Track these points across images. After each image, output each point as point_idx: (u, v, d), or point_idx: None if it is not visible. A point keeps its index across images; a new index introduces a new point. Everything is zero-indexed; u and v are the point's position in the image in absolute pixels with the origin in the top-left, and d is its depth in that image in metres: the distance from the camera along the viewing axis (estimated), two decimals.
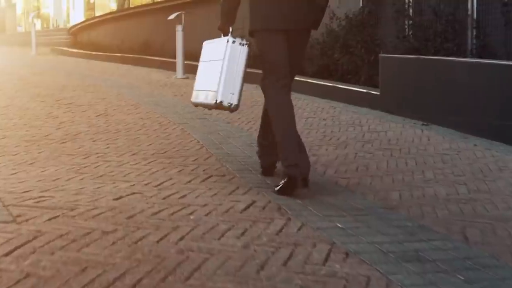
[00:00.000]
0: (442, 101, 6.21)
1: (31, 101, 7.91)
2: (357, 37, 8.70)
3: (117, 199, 3.38)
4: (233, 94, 3.75)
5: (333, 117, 6.75)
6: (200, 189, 3.67)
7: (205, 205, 3.31)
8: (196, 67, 4.23)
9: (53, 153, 4.71)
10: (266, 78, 3.80)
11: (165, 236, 2.77)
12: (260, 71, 3.89)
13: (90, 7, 28.80)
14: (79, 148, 4.93)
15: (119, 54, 17.20)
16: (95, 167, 4.23)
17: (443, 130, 5.93)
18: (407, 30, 8.11)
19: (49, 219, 2.94)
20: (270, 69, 3.78)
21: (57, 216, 3.00)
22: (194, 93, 4.12)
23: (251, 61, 3.89)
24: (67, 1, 32.22)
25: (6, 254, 2.48)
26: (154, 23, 16.38)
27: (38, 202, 3.26)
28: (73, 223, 2.91)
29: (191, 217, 3.08)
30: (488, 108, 5.60)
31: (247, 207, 3.30)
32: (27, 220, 2.92)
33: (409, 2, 8.15)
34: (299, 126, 6.06)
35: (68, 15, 32.27)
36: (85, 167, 4.24)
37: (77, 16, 29.42)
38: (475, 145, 5.23)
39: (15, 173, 4.03)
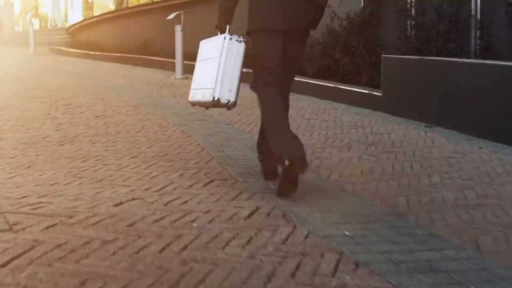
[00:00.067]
0: (445, 103, 6.12)
1: (29, 102, 7.82)
2: (359, 37, 8.61)
3: (117, 205, 3.28)
4: (230, 91, 3.70)
5: (335, 119, 6.66)
6: (202, 194, 3.58)
7: (207, 211, 3.22)
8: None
9: (51, 156, 4.62)
10: (257, 80, 3.77)
11: (168, 245, 2.67)
12: None
13: (88, 6, 28.71)
14: (78, 150, 4.84)
15: (118, 54, 17.11)
16: (94, 171, 4.13)
17: (447, 132, 5.83)
18: (409, 30, 8.01)
19: (47, 228, 2.84)
20: (262, 71, 3.74)
21: (55, 224, 2.90)
22: (191, 92, 4.07)
23: (249, 60, 3.84)
24: (65, 1, 32.13)
25: (2, 266, 2.38)
26: (153, 23, 16.27)
27: (35, 208, 3.16)
28: (72, 231, 2.81)
29: (194, 224, 2.98)
30: (492, 110, 5.51)
31: (251, 213, 3.20)
32: (24, 229, 2.82)
33: (411, 2, 8.05)
34: (301, 127, 6.02)
35: (66, 15, 32.18)
36: (83, 170, 4.15)
37: (75, 16, 29.34)
38: (480, 147, 5.14)
39: (12, 177, 3.93)
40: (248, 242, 2.74)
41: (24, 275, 2.31)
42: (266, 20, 3.70)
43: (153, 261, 2.49)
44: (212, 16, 3.96)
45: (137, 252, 2.57)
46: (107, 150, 4.88)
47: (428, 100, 6.43)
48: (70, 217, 3.03)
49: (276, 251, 2.65)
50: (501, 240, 2.92)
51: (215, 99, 3.68)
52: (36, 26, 30.84)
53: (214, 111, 6.71)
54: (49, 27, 33.37)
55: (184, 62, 11.25)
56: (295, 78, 4.07)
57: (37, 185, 3.71)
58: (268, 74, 3.71)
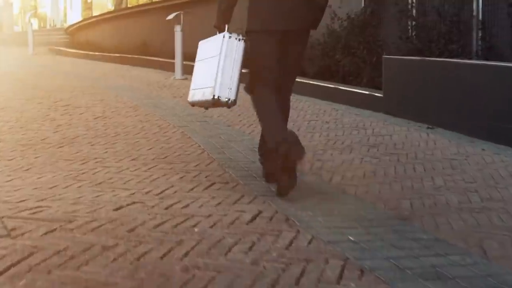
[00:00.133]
0: (447, 104, 6.07)
1: (28, 102, 7.77)
2: (359, 37, 8.56)
3: (117, 209, 3.24)
4: (230, 89, 3.67)
5: (336, 120, 6.61)
6: (203, 197, 3.53)
7: (209, 215, 3.17)
8: None
9: (50, 158, 4.57)
10: (253, 80, 3.76)
11: (169, 251, 2.61)
12: None
13: (87, 6, 28.66)
14: (77, 152, 4.79)
15: (117, 55, 17.06)
16: (94, 174, 4.09)
17: (449, 134, 5.79)
18: (410, 31, 7.96)
19: (46, 233, 2.79)
20: (260, 71, 3.73)
21: (55, 230, 2.84)
22: (190, 92, 4.04)
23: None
24: (64, 1, 32.07)
25: (0, 273, 2.33)
26: (153, 23, 16.22)
27: (34, 213, 3.11)
28: (72, 237, 2.75)
29: (196, 229, 2.93)
30: (494, 111, 5.46)
31: (254, 218, 3.15)
32: (22, 234, 2.77)
33: (412, 2, 8.00)
34: (302, 129, 5.98)
35: (65, 15, 32.13)
36: (83, 173, 4.10)
37: (75, 16, 29.29)
38: (483, 149, 5.10)
39: (10, 180, 3.89)
40: (251, 248, 2.69)
41: (22, 283, 2.25)
42: (266, 20, 3.69)
43: (154, 268, 2.44)
44: (211, 16, 3.93)
45: (138, 259, 2.52)
46: (106, 152, 4.84)
47: (429, 101, 6.38)
48: (70, 222, 2.98)
49: (280, 257, 2.60)
50: (507, 244, 2.87)
51: (215, 97, 3.66)
52: (35, 26, 30.80)
53: (214, 112, 6.67)
54: (48, 27, 33.32)
55: (184, 62, 11.20)
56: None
57: (36, 188, 3.67)
58: (265, 74, 3.71)
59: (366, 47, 8.39)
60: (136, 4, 20.44)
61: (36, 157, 4.59)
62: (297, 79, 4.07)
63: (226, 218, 3.13)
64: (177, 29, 11.34)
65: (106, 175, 4.04)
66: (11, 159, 4.51)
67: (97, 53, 18.68)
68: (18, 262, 2.44)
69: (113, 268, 2.42)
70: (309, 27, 3.84)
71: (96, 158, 4.58)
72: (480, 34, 7.01)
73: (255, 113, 3.82)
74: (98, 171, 4.16)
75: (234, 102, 3.72)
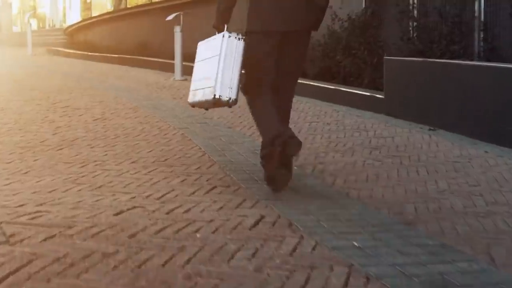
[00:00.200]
0: (448, 105, 6.03)
1: (27, 104, 7.72)
2: (360, 38, 8.51)
3: (117, 214, 3.18)
4: (231, 88, 3.65)
5: (337, 121, 6.57)
6: (205, 201, 3.48)
7: (211, 220, 3.12)
8: None
9: (49, 161, 4.52)
10: (250, 80, 3.75)
11: (171, 258, 2.56)
12: None
13: (86, 7, 28.58)
14: (76, 155, 4.74)
15: (116, 55, 17.00)
16: (93, 177, 4.03)
17: (451, 136, 5.74)
18: (411, 31, 7.91)
19: (45, 239, 2.73)
20: (255, 73, 3.72)
21: (54, 236, 2.79)
22: (190, 93, 4.02)
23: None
24: (63, 1, 31.99)
25: None
26: (152, 23, 16.17)
27: (33, 218, 3.06)
28: (71, 243, 2.70)
29: (198, 235, 2.88)
30: (497, 113, 5.42)
31: (256, 223, 3.10)
32: (21, 241, 2.71)
33: (413, 3, 7.96)
34: (303, 131, 5.93)
35: (64, 15, 32.05)
36: (82, 176, 4.05)
37: (74, 16, 29.22)
38: (486, 151, 5.05)
39: (9, 184, 3.83)
40: (254, 255, 2.64)
41: None
42: (266, 21, 3.68)
43: (156, 275, 2.38)
44: (211, 17, 3.90)
45: (139, 266, 2.47)
46: (106, 154, 4.78)
47: (431, 102, 6.33)
48: (69, 227, 2.93)
49: (284, 263, 2.55)
50: None
51: (216, 97, 3.63)
52: (34, 26, 30.73)
53: (214, 113, 6.62)
54: (47, 27, 33.24)
55: (183, 63, 11.15)
56: None
57: (35, 192, 3.61)
58: (261, 74, 3.71)
59: (367, 48, 8.35)
60: (136, 4, 20.37)
61: (35, 160, 4.53)
62: (297, 80, 4.04)
63: (228, 223, 3.07)
64: (177, 29, 11.29)
65: (106, 179, 3.99)
66: (10, 162, 4.46)
67: (96, 54, 18.62)
68: (17, 269, 2.38)
69: (113, 276, 2.36)
70: (310, 28, 3.82)
71: (95, 161, 4.53)
72: (482, 35, 6.98)
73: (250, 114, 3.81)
74: (97, 174, 4.11)
75: (235, 101, 3.69)
